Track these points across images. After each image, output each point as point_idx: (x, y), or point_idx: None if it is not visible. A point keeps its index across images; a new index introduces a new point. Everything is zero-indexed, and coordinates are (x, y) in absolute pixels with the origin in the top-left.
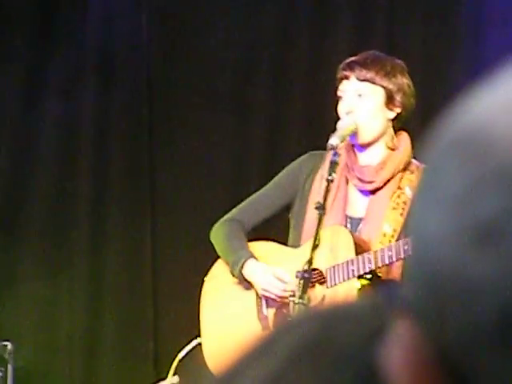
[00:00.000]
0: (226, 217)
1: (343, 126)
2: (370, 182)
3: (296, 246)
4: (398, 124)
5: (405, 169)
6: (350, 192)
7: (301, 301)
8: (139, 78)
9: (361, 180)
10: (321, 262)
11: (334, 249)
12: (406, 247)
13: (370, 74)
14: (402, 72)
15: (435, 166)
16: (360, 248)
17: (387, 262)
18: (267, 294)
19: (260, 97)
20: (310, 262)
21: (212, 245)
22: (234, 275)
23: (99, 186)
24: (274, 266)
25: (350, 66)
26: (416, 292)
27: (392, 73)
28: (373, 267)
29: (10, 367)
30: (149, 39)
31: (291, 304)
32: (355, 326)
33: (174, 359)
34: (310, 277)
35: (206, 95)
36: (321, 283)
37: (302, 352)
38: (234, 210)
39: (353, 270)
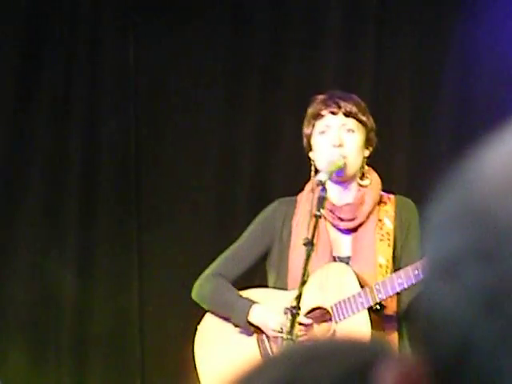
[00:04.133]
0: (207, 272)
1: (332, 161)
2: (352, 220)
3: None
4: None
5: (379, 202)
6: (330, 232)
7: (289, 337)
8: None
9: (342, 219)
10: (327, 301)
11: (337, 286)
12: (416, 272)
13: (354, 110)
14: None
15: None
16: (362, 282)
17: (398, 290)
18: (281, 335)
19: (246, 141)
20: (298, 297)
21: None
22: (238, 325)
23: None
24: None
25: (336, 102)
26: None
27: (367, 111)
28: (383, 297)
29: None
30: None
31: (279, 340)
32: (329, 364)
33: None
34: (298, 313)
35: (191, 150)
36: (328, 320)
37: None
38: (213, 265)
39: (362, 303)
